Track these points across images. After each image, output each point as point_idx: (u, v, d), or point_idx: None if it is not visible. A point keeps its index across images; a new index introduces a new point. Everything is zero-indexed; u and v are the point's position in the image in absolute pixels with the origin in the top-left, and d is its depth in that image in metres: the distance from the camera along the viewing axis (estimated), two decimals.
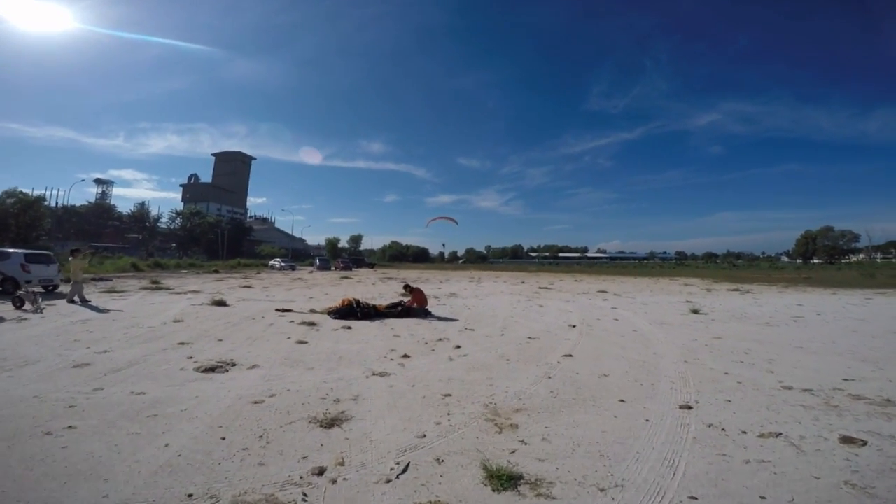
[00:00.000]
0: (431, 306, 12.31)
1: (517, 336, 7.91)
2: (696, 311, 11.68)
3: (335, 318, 9.67)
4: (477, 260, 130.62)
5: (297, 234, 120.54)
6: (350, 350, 6.67)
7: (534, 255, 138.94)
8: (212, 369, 5.38)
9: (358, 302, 9.93)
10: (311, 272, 43.33)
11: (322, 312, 10.41)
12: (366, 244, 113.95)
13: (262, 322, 9.28)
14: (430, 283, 25.93)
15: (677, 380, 5.18)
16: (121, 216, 79.12)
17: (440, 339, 7.44)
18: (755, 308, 13.38)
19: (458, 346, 6.87)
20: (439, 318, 9.95)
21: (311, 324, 8.97)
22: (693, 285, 26.35)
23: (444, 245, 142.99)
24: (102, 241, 68.04)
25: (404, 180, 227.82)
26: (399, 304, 10.23)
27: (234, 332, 8.08)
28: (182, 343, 6.94)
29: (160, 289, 17.46)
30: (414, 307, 10.05)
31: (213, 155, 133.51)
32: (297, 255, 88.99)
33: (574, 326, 8.99)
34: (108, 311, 10.67)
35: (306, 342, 7.21)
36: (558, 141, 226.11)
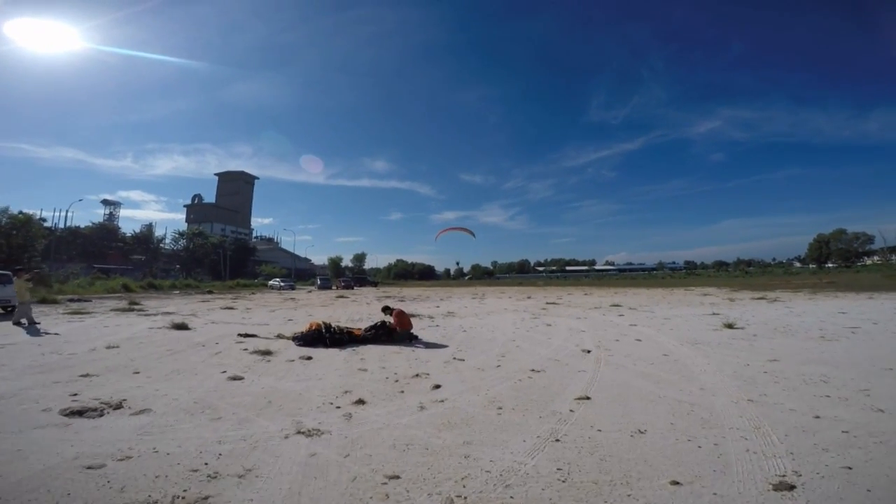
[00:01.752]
0: (422, 328, 10.71)
1: (517, 367, 6.23)
2: (730, 326, 9.92)
3: (299, 344, 8.10)
4: (483, 276, 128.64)
5: (302, 254, 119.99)
6: (291, 391, 5.06)
7: (541, 269, 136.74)
8: (80, 412, 4.10)
9: (328, 326, 8.34)
10: (310, 292, 41.91)
11: (289, 338, 8.82)
12: (371, 262, 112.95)
13: (209, 350, 7.76)
14: (430, 300, 24.28)
15: (751, 433, 3.50)
16: (124, 237, 79.07)
17: (417, 375, 5.78)
18: (794, 319, 11.57)
19: (437, 386, 5.21)
20: (425, 345, 8.30)
21: (267, 353, 7.40)
22: (712, 295, 24.48)
23: (458, 263, 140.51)
24: (106, 263, 67.89)
25: (409, 198, 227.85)
26: (379, 325, 8.60)
27: (164, 362, 6.65)
28: (85, 375, 5.73)
29: (132, 311, 16.07)
30: (396, 331, 8.43)
31: (216, 175, 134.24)
32: (302, 274, 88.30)
33: (589, 351, 7.28)
34: (44, 334, 9.45)
35: (242, 378, 5.67)
36: (560, 154, 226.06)
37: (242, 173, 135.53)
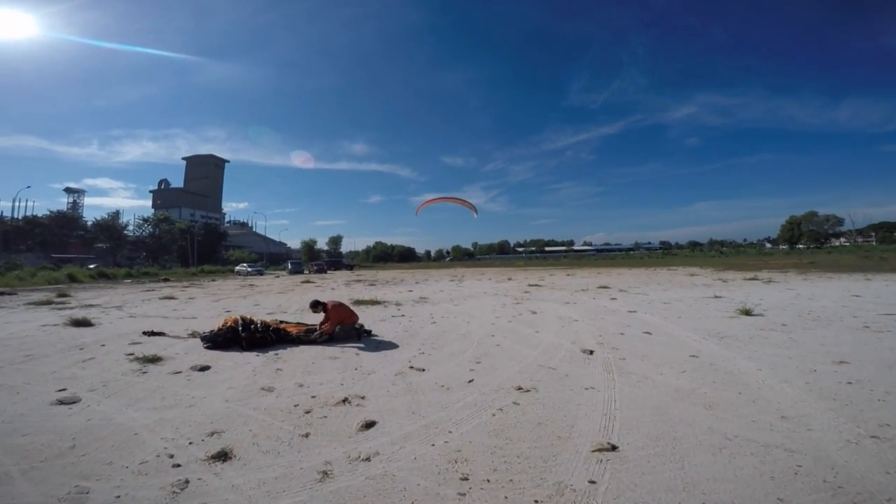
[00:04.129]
0: (381, 319, 8.83)
1: (497, 382, 4.37)
2: (747, 312, 8.33)
3: (207, 346, 6.10)
4: (464, 257, 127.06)
5: (278, 238, 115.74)
6: (127, 426, 3.18)
7: (520, 249, 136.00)
8: None
9: (247, 322, 6.30)
10: (278, 277, 39.35)
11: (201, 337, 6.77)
12: (350, 246, 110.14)
13: (82, 355, 5.89)
14: (404, 284, 22.31)
15: None
16: (85, 226, 74.06)
17: (345, 401, 3.85)
18: (809, 303, 10.13)
19: (370, 425, 3.30)
20: (378, 343, 6.38)
21: (154, 359, 5.42)
22: (699, 275, 23.29)
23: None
24: (68, 252, 63.49)
25: (389, 180, 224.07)
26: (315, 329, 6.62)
27: (3, 373, 4.65)
28: None
29: (50, 304, 13.59)
30: (336, 331, 6.46)
31: (183, 159, 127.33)
32: (277, 259, 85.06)
33: (591, 352, 5.47)
34: None
35: (78, 400, 3.98)
36: (540, 137, 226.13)
37: (212, 157, 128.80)
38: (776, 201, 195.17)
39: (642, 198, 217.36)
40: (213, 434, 3.18)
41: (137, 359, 5.52)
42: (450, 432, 3.12)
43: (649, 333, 6.69)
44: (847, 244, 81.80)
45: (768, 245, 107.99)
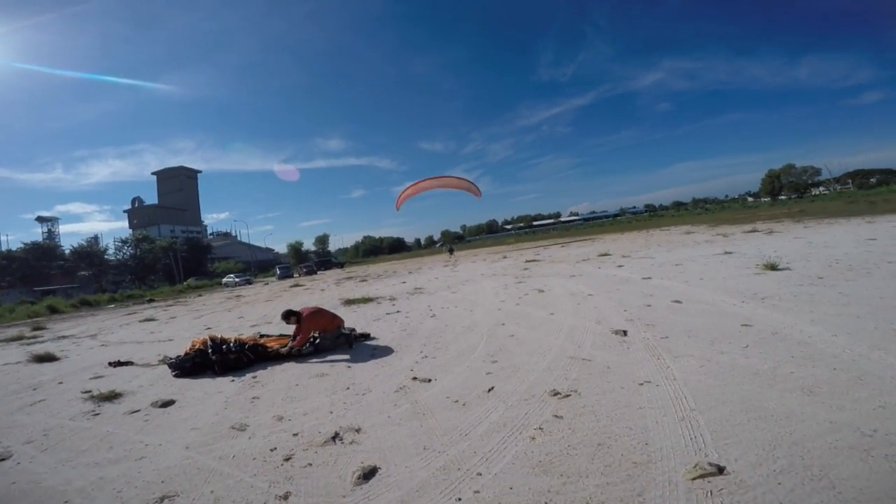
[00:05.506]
0: (376, 318, 7.98)
1: (524, 386, 3.52)
2: (773, 267, 7.62)
3: (176, 374, 5.18)
4: (454, 241, 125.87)
5: (264, 244, 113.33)
6: (53, 494, 2.25)
7: (509, 227, 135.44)
8: None
9: (218, 343, 5.36)
10: (267, 284, 38.11)
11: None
12: (338, 243, 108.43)
13: (32, 396, 5.26)
14: (396, 276, 21.38)
15: None
16: (63, 255, 71.36)
17: (335, 437, 2.96)
18: (827, 251, 9.46)
19: (370, 473, 2.43)
20: (373, 350, 5.49)
21: (112, 396, 4.59)
22: (696, 232, 22.76)
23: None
24: (50, 284, 61.15)
25: (369, 173, 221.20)
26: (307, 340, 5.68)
27: None
28: None
29: (23, 338, 12.50)
30: (314, 340, 5.54)
31: (153, 174, 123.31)
32: (265, 265, 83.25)
33: (625, 333, 4.65)
34: None
35: (7, 457, 3.34)
36: (514, 114, 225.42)
37: (183, 168, 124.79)
38: (753, 157, 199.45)
39: (622, 164, 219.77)
40: (162, 500, 2.33)
41: (93, 397, 4.67)
42: (479, 475, 2.27)
43: (679, 302, 5.91)
44: (827, 192, 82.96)
45: (750, 199, 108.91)
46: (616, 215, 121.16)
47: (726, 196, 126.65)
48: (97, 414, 4.16)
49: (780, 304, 5.06)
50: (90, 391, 4.96)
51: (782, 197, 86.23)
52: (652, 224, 48.33)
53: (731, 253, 11.08)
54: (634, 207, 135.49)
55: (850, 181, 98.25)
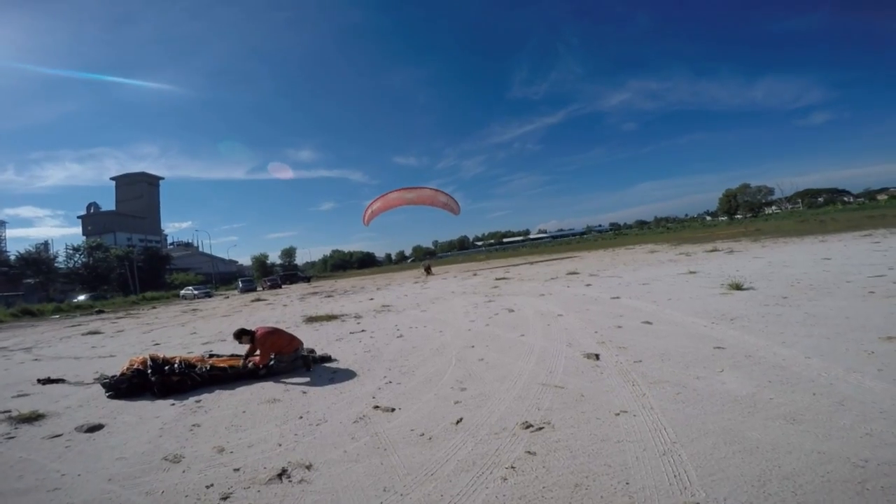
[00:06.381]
0: (338, 337, 7.57)
1: (494, 417, 3.27)
2: (738, 287, 7.76)
3: (110, 395, 4.63)
4: (426, 256, 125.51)
5: (227, 256, 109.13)
6: None
7: (479, 243, 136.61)
8: None
9: (159, 363, 4.85)
10: (227, 297, 36.45)
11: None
12: (305, 257, 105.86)
13: None
14: (364, 292, 20.84)
15: None
16: (8, 260, 66.40)
17: (282, 473, 2.60)
18: (789, 270, 9.82)
19: None
20: (333, 373, 5.10)
21: (34, 418, 4.09)
22: (659, 251, 23.43)
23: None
24: None
25: (340, 186, 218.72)
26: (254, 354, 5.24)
27: None
28: None
29: None
30: (270, 363, 5.12)
31: (112, 179, 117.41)
32: (227, 278, 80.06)
33: (597, 357, 4.49)
34: None
35: None
36: (487, 130, 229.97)
37: (144, 174, 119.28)
38: (711, 177, 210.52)
39: (589, 183, 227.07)
40: None
41: (11, 418, 4.12)
42: None
43: (650, 323, 5.85)
44: (779, 211, 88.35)
45: (708, 218, 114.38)
46: (583, 233, 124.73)
47: (686, 215, 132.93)
48: (11, 437, 3.66)
49: (750, 325, 5.06)
50: (9, 411, 4.38)
51: (738, 216, 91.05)
52: (617, 243, 49.68)
53: (695, 272, 11.32)
54: (600, 226, 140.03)
55: (799, 200, 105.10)
